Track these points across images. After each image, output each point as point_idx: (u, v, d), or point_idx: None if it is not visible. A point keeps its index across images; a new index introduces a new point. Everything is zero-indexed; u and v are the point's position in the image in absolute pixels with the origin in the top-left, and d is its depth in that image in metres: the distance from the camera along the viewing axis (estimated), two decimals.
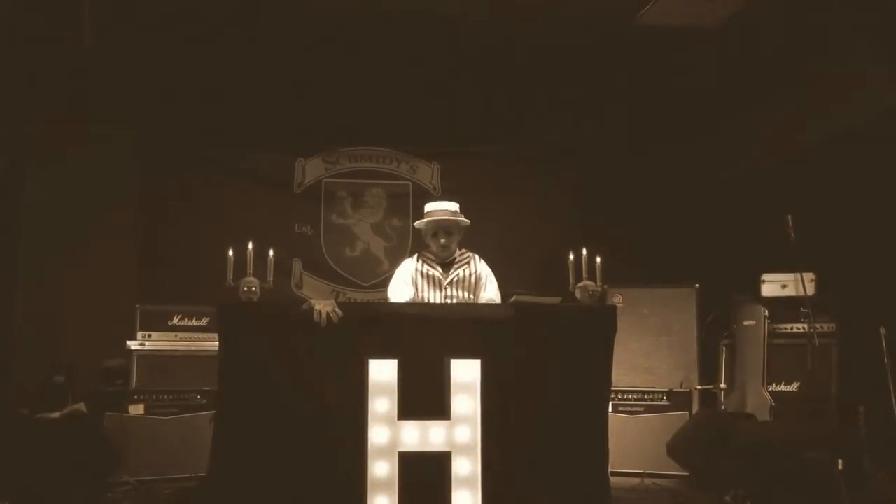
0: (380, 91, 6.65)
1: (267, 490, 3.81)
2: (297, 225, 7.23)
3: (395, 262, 6.12)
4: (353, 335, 3.92)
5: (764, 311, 5.71)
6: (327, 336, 3.87)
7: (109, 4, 5.24)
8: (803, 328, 5.60)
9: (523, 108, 6.98)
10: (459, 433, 3.90)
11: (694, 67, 6.29)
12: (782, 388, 5.64)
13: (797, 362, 5.54)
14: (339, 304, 3.96)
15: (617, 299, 5.97)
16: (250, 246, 4.26)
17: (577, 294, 4.34)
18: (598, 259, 4.40)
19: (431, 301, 4.55)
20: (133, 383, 5.67)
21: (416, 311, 4.21)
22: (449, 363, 3.92)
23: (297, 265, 7.17)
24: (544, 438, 3.95)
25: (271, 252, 4.40)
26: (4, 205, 6.54)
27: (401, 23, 5.69)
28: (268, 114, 6.85)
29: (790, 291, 5.67)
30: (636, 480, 5.59)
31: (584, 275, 4.36)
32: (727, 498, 4.60)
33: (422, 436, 3.89)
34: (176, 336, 5.83)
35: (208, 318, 5.80)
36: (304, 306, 3.95)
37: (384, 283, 5.34)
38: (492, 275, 4.71)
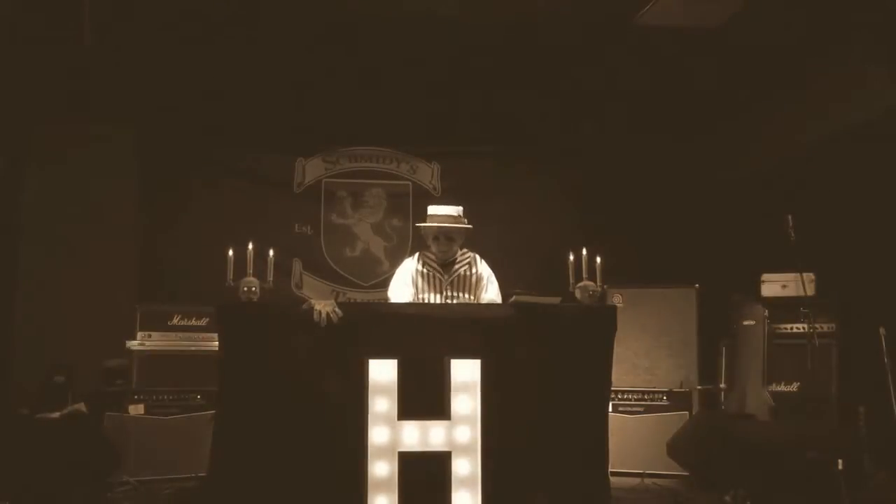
0: (380, 91, 6.65)
1: (267, 490, 3.81)
2: (297, 225, 7.22)
3: (395, 262, 6.11)
4: (353, 335, 3.92)
5: (764, 312, 5.69)
6: (327, 336, 3.87)
7: (109, 4, 5.24)
8: (803, 328, 5.60)
9: (523, 108, 6.98)
10: (459, 433, 3.90)
11: (694, 67, 6.29)
12: (782, 388, 5.63)
13: (797, 362, 5.52)
14: (339, 304, 3.97)
15: (617, 299, 5.96)
16: (250, 246, 4.25)
17: (577, 294, 4.34)
18: (598, 259, 4.40)
19: (431, 301, 4.53)
20: (133, 383, 5.67)
21: (416, 311, 4.21)
22: (449, 363, 3.92)
23: (297, 265, 7.17)
24: (544, 438, 3.95)
25: (271, 252, 4.41)
26: (4, 205, 6.53)
27: (401, 23, 5.70)
28: (268, 114, 6.86)
29: (790, 291, 5.68)
30: (636, 480, 5.60)
31: (584, 275, 4.36)
32: (727, 498, 4.60)
33: (422, 436, 3.89)
34: (176, 336, 5.83)
35: (208, 318, 5.79)
36: (304, 306, 3.95)
37: (384, 283, 5.34)
38: (493, 276, 4.69)
